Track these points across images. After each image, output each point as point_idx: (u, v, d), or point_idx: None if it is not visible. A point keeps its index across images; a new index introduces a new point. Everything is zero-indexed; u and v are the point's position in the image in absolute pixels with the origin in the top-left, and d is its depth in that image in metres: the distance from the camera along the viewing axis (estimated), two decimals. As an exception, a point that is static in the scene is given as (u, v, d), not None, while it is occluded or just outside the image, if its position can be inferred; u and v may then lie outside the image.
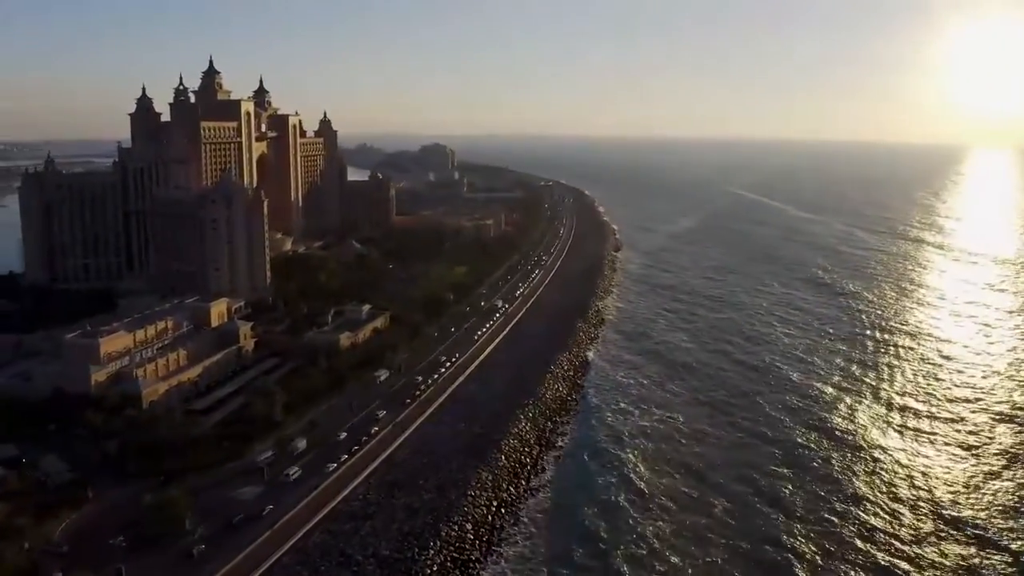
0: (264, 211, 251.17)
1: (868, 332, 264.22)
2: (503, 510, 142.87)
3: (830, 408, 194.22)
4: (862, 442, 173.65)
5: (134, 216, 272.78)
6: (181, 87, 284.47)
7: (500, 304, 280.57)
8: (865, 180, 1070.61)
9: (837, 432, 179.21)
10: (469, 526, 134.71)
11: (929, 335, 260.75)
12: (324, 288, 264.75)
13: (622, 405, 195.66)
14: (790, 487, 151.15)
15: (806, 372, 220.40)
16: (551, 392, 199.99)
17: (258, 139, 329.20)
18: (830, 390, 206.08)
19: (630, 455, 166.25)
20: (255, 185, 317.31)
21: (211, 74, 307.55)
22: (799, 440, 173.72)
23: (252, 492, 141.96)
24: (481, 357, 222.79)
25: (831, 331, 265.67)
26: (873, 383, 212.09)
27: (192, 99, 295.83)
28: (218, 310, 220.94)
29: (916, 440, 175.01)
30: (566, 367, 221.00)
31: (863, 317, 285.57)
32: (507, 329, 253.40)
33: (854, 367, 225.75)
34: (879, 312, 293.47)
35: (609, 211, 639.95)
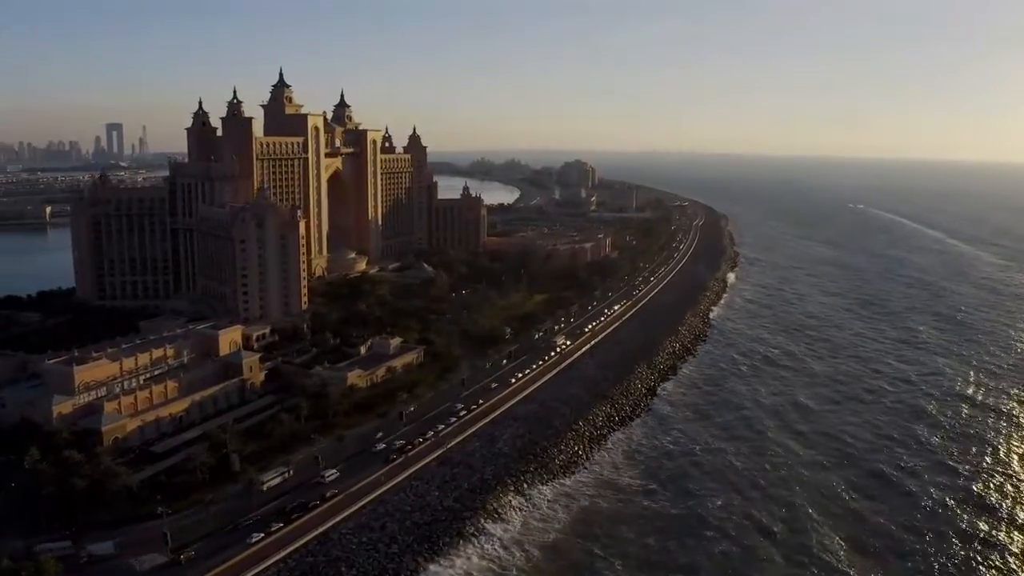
0: (300, 231, 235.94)
1: (967, 413, 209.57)
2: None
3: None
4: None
5: (181, 233, 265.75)
6: (235, 100, 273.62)
7: (561, 341, 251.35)
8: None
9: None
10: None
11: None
12: (364, 316, 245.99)
13: (650, 486, 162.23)
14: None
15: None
16: (564, 455, 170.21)
17: (331, 155, 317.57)
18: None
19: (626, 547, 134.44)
20: (322, 203, 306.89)
21: (280, 87, 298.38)
22: None
23: (152, 561, 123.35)
24: (505, 406, 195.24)
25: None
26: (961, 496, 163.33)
27: (258, 113, 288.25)
28: (229, 338, 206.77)
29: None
30: (600, 423, 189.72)
31: (971, 391, 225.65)
32: (553, 372, 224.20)
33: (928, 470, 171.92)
34: (993, 386, 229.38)
35: (740, 234, 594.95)
